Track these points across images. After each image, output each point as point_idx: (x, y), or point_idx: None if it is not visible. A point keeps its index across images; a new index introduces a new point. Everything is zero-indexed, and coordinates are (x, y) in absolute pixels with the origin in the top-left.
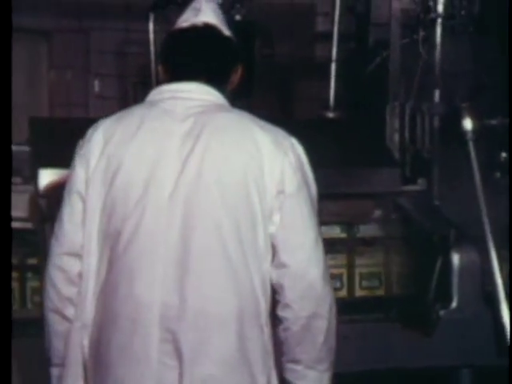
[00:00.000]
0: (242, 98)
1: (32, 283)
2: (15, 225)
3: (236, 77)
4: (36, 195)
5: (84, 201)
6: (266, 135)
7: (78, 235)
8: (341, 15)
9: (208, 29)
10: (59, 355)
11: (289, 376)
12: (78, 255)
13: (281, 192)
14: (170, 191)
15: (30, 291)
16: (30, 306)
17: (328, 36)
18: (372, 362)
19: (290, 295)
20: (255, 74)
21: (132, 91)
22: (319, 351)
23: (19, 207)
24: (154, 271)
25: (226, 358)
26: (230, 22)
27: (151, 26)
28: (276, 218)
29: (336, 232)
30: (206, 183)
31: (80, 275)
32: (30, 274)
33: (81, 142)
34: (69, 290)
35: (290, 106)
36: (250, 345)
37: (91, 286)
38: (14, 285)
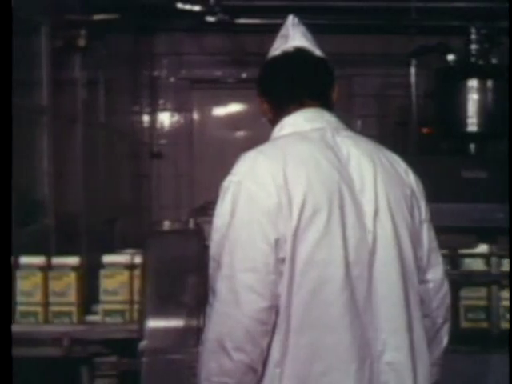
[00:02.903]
0: None
1: None
2: None
3: (335, 96)
4: None
5: (283, 249)
6: (407, 166)
7: (278, 286)
8: None
9: (300, 53)
10: None
11: None
12: (276, 306)
13: (425, 218)
14: (370, 233)
15: None
16: None
17: None
18: None
19: (429, 306)
20: None
21: (392, 130)
22: (442, 349)
23: None
24: (383, 304)
25: (428, 376)
26: (486, 65)
27: (413, 70)
28: (422, 241)
29: None
30: (397, 220)
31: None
32: None
33: (249, 184)
34: (265, 342)
35: None
36: None
37: (293, 333)
38: None
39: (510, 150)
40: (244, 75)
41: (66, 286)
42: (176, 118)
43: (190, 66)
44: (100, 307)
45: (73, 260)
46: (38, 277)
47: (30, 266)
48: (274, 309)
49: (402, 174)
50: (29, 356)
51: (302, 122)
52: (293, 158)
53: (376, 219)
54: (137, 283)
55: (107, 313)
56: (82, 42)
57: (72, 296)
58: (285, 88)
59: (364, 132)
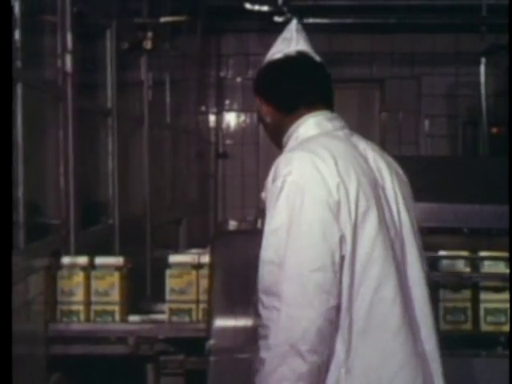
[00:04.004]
0: None
1: None
2: None
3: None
4: None
5: (344, 246)
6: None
7: (340, 283)
8: None
9: (305, 56)
10: None
11: None
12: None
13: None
14: (399, 230)
15: None
16: None
17: None
18: None
19: None
20: None
21: (461, 130)
22: None
23: None
24: (414, 297)
25: None
26: None
27: (482, 69)
28: None
29: None
30: (411, 216)
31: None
32: None
33: (306, 183)
34: (332, 341)
35: None
36: None
37: (358, 332)
38: None
39: (510, 149)
40: None
41: (110, 286)
42: (242, 118)
43: (257, 66)
44: (166, 306)
45: (116, 260)
46: (80, 276)
47: (71, 266)
48: (337, 307)
49: (401, 173)
50: (95, 354)
51: (325, 123)
52: (339, 155)
53: (399, 216)
54: (204, 283)
55: (174, 312)
56: (148, 45)
57: (115, 295)
58: (296, 90)
59: (433, 132)
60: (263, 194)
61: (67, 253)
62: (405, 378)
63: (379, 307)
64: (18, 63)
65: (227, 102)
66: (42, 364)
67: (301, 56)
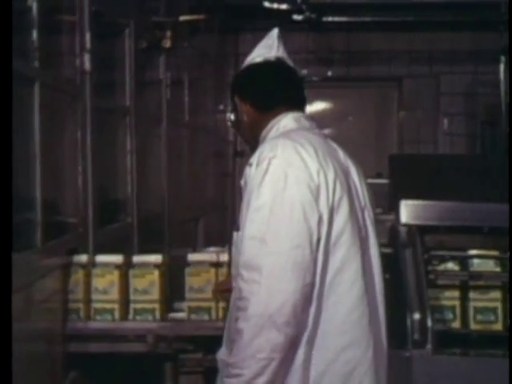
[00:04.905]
0: None
1: None
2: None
3: None
4: (396, 224)
5: (323, 227)
6: None
7: (315, 263)
8: None
9: (284, 62)
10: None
11: None
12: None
13: None
14: (363, 214)
15: None
16: None
17: None
18: None
19: None
20: None
21: (480, 129)
22: None
23: (380, 235)
24: (377, 281)
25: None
26: None
27: (502, 67)
28: None
29: None
30: (372, 209)
31: None
32: None
33: (290, 166)
34: (305, 315)
35: None
36: None
37: (324, 308)
38: None
39: (510, 148)
40: (329, 73)
41: (150, 284)
42: None
43: None
44: (185, 304)
45: (155, 258)
46: (114, 275)
47: (106, 264)
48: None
49: (362, 173)
50: (114, 352)
51: (303, 120)
52: (318, 146)
53: (365, 207)
54: None
55: (193, 310)
56: (167, 43)
57: (155, 293)
58: (275, 90)
59: (452, 131)
60: (242, 181)
61: (85, 251)
62: (355, 354)
63: (338, 288)
64: (36, 63)
65: None
66: (59, 362)
67: (279, 61)
